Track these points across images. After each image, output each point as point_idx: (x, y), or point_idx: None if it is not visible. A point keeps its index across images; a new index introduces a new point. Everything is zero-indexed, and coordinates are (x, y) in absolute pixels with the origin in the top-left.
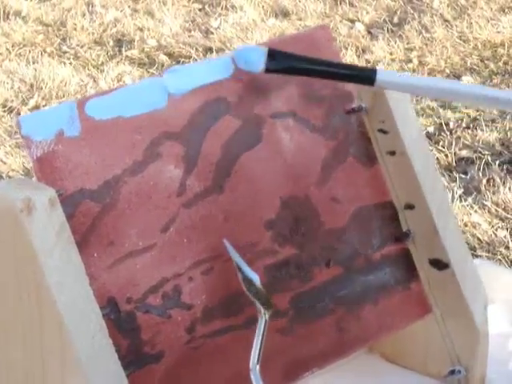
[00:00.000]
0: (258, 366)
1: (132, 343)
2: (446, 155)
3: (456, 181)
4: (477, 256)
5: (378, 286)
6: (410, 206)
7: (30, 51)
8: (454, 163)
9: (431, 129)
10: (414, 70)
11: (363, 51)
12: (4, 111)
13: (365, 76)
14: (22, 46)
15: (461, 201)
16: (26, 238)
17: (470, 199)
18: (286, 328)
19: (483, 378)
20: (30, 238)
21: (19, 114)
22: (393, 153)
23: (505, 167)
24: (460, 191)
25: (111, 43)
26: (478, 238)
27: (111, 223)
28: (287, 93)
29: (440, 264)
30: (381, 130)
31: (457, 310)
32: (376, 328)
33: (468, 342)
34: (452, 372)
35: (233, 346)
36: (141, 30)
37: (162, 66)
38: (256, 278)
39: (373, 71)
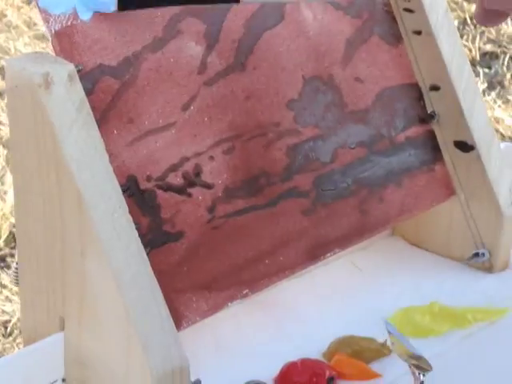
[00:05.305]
0: None
1: (152, 221)
2: (470, 50)
3: (480, 75)
4: None
5: (401, 168)
6: (435, 88)
7: None
8: (478, 58)
9: (455, 23)
10: None
11: None
12: (23, 1)
13: None
14: None
15: (484, 95)
16: (45, 114)
17: (493, 94)
18: (309, 209)
19: (507, 262)
20: (49, 114)
21: (38, 4)
22: (419, 32)
23: None
24: (484, 86)
25: None
26: (502, 134)
27: (131, 100)
28: None
29: (465, 146)
30: (407, 9)
31: (481, 193)
32: (399, 210)
33: (492, 224)
34: (476, 255)
35: (254, 226)
36: None
37: None
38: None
39: None
